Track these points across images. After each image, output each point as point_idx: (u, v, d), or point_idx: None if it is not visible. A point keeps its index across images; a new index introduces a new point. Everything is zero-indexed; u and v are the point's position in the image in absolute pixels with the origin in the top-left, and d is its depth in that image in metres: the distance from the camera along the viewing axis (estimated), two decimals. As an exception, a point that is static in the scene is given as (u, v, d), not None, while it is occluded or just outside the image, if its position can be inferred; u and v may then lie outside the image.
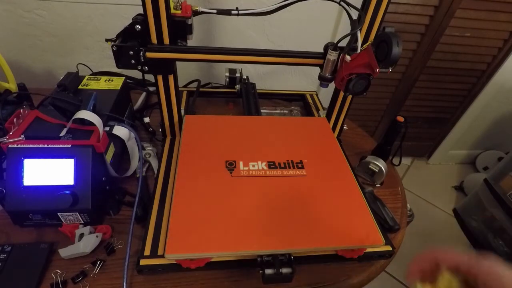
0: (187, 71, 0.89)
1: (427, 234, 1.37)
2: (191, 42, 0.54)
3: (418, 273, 0.28)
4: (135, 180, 0.56)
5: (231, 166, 0.50)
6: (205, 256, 0.41)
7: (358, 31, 0.45)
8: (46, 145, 0.44)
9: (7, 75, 0.57)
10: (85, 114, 0.46)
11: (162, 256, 0.42)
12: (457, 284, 0.26)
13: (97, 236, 0.45)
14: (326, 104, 0.70)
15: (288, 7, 0.50)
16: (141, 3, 0.44)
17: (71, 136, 0.46)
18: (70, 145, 0.45)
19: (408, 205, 0.62)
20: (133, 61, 0.48)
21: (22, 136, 0.44)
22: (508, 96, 1.43)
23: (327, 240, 0.42)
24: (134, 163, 0.55)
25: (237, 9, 0.50)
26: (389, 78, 1.31)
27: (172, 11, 0.47)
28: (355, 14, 0.47)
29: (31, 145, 0.44)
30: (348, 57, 0.48)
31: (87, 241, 0.44)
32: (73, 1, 0.73)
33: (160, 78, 0.53)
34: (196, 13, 0.50)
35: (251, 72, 0.95)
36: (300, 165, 0.52)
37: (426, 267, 0.27)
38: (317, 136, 0.60)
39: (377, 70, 0.44)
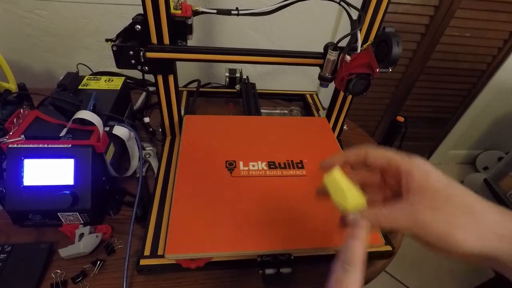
0: (187, 71, 0.89)
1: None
2: (191, 42, 0.54)
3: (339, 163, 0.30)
4: (135, 180, 0.56)
5: (231, 166, 0.50)
6: (205, 256, 0.41)
7: (358, 31, 0.45)
8: (46, 145, 0.44)
9: (7, 75, 0.57)
10: (85, 114, 0.46)
11: (162, 256, 0.42)
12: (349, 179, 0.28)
13: (97, 236, 0.45)
14: (326, 104, 0.70)
15: (288, 7, 0.50)
16: (141, 3, 0.44)
17: (71, 136, 0.46)
18: (70, 145, 0.45)
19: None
20: (133, 61, 0.48)
21: (22, 136, 0.44)
22: (508, 96, 1.43)
23: (327, 240, 0.42)
24: (134, 163, 0.55)
25: (237, 9, 0.50)
26: (389, 78, 1.31)
27: (172, 11, 0.47)
28: (355, 14, 0.47)
29: (31, 145, 0.44)
30: (348, 57, 0.48)
31: (87, 241, 0.44)
32: (73, 1, 0.73)
33: (160, 78, 0.53)
34: (196, 13, 0.50)
35: (251, 72, 0.95)
36: (300, 165, 0.52)
37: (351, 160, 0.30)
38: (317, 136, 0.60)
39: (377, 70, 0.44)
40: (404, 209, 0.25)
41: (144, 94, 0.79)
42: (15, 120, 0.47)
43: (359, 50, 0.47)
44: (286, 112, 0.81)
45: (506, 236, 0.23)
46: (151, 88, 0.80)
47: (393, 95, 1.38)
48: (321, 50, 0.53)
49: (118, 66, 0.49)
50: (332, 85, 0.55)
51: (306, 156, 0.53)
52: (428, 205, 0.25)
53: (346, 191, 0.28)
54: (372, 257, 0.48)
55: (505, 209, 0.24)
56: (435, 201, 0.24)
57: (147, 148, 0.61)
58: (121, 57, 0.48)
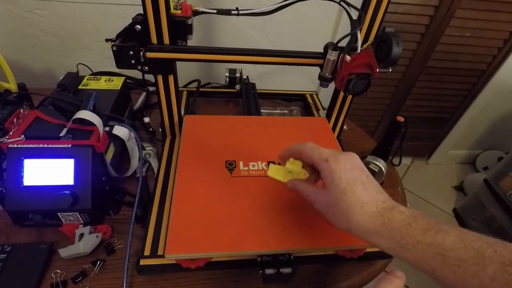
0: (187, 71, 0.89)
1: (427, 234, 1.37)
2: (191, 42, 0.54)
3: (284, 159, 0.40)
4: (135, 180, 0.56)
5: (231, 166, 0.50)
6: (205, 256, 0.41)
7: (358, 31, 0.45)
8: (46, 145, 0.44)
9: (7, 75, 0.57)
10: (85, 114, 0.46)
11: (162, 256, 0.42)
12: (299, 163, 0.39)
13: (97, 236, 0.45)
14: (326, 104, 0.70)
15: (288, 7, 0.50)
16: (141, 3, 0.44)
17: (71, 136, 0.46)
18: (70, 145, 0.45)
19: (408, 205, 0.62)
20: (133, 61, 0.48)
21: (22, 136, 0.44)
22: (508, 96, 1.43)
23: (327, 240, 0.42)
24: (134, 163, 0.55)
25: (237, 9, 0.50)
26: (389, 78, 1.31)
27: (172, 11, 0.47)
28: (355, 14, 0.47)
29: (31, 145, 0.44)
30: (348, 57, 0.47)
31: (87, 241, 0.44)
32: (73, 1, 0.73)
33: (160, 78, 0.53)
34: (196, 13, 0.50)
35: (251, 72, 0.95)
36: (300, 165, 0.51)
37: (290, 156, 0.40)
38: (317, 136, 0.60)
39: (377, 70, 0.44)
40: (321, 196, 0.34)
41: (144, 94, 0.79)
42: (15, 120, 0.47)
43: (359, 50, 0.47)
44: (286, 112, 0.81)
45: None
46: (151, 88, 0.80)
47: (393, 95, 1.38)
48: (321, 50, 0.53)
49: (118, 66, 0.49)
50: (332, 85, 0.55)
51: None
52: (326, 202, 0.33)
53: (282, 175, 0.41)
54: (372, 257, 0.48)
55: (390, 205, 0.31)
56: (332, 197, 0.32)
57: (147, 148, 0.62)
58: (121, 57, 0.48)
